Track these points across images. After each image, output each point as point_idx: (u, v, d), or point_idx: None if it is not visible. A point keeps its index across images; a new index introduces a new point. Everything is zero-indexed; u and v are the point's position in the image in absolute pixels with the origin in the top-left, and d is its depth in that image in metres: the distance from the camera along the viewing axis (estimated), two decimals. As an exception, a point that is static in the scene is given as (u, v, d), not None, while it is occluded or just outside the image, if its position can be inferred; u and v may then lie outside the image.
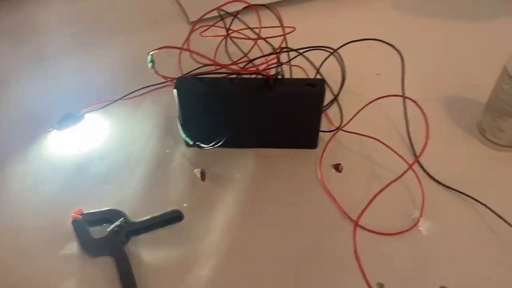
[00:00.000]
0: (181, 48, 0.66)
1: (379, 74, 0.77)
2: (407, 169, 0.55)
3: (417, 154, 0.62)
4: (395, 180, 0.55)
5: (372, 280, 0.48)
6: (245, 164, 0.63)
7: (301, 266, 0.51)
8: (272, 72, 0.58)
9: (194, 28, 0.72)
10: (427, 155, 0.56)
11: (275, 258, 0.52)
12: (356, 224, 0.54)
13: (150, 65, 0.59)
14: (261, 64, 0.60)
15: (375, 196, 0.53)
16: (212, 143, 0.59)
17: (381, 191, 0.54)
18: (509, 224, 0.53)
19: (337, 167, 0.63)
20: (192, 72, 0.64)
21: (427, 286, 0.49)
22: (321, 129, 0.65)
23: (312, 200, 0.58)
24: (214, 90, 0.57)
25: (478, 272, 0.50)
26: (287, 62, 0.69)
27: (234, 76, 0.58)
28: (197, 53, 0.59)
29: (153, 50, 0.59)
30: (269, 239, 0.54)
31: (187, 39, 0.70)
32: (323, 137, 0.65)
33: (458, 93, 0.72)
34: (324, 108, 0.68)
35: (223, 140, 0.58)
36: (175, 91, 0.57)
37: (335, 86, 0.70)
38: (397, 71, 0.69)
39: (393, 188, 0.54)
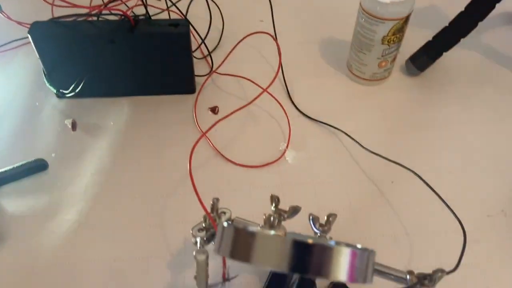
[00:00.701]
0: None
1: (262, 21, 0.78)
2: (261, 93, 0.58)
3: (290, 93, 0.64)
4: (247, 104, 0.57)
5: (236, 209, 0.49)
6: (119, 113, 0.62)
7: (169, 202, 0.52)
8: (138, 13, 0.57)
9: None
10: (298, 93, 0.58)
11: (144, 198, 0.53)
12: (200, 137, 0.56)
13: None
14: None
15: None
16: (72, 88, 0.57)
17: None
18: (364, 148, 0.56)
19: (214, 110, 0.63)
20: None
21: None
22: (201, 73, 0.65)
23: (187, 143, 0.59)
24: (71, 32, 0.55)
25: (341, 191, 0.53)
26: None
27: (95, 18, 0.56)
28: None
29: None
30: (139, 181, 0.54)
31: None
32: (201, 81, 0.66)
33: (332, 36, 0.75)
34: (194, 51, 0.67)
35: (81, 84, 0.57)
36: (29, 36, 0.54)
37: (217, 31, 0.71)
38: (279, 18, 0.70)
39: (265, 125, 0.56)
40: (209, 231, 0.37)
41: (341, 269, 0.27)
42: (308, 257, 0.27)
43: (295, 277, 0.41)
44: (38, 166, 0.53)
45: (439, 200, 0.49)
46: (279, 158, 0.57)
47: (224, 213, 0.39)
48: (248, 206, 0.50)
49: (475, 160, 0.57)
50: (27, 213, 0.51)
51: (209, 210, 0.38)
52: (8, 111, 0.61)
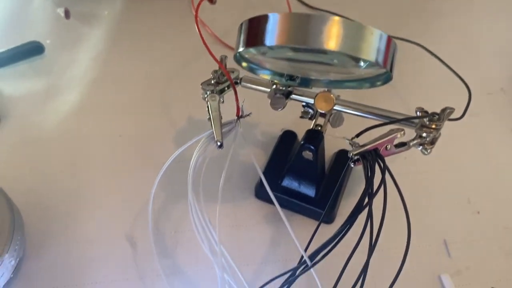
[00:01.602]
0: None
1: None
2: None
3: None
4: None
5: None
6: (114, 1, 0.60)
7: (170, 89, 0.51)
8: None
9: None
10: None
11: (143, 82, 0.52)
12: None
13: None
14: None
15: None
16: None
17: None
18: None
19: (211, 0, 0.61)
20: None
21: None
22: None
23: (185, 31, 0.57)
24: None
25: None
26: None
27: None
28: None
29: None
30: (138, 67, 0.53)
31: None
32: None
33: None
34: None
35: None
36: None
37: None
38: None
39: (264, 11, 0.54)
40: (218, 86, 0.37)
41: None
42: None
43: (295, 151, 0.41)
44: (34, 49, 0.52)
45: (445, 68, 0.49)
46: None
47: (233, 71, 0.39)
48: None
49: (475, 42, 0.57)
50: (27, 95, 0.50)
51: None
52: (-2, 0, 0.59)
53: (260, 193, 0.43)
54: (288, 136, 0.46)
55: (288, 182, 0.42)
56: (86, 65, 0.53)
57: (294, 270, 0.29)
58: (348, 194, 0.43)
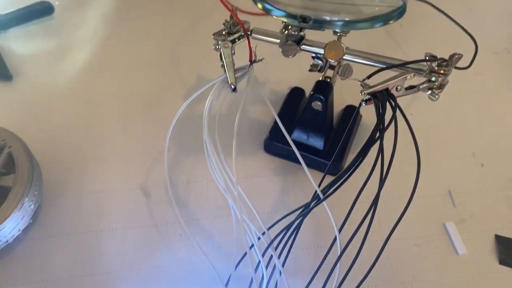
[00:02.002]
0: None
1: None
2: None
3: None
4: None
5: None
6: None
7: (180, 49, 0.52)
8: None
9: None
10: None
11: (153, 42, 0.53)
12: None
13: None
14: None
15: None
16: None
17: None
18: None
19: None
20: None
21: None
22: None
23: None
24: None
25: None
26: None
27: None
28: None
29: None
30: (147, 27, 0.54)
31: None
32: None
33: None
34: None
35: None
36: None
37: None
38: None
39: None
40: (229, 36, 0.38)
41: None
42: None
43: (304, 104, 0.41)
44: (44, 9, 0.52)
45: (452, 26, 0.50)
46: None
47: (244, 23, 0.39)
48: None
49: (482, 5, 0.58)
50: (38, 54, 0.51)
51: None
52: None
53: (269, 147, 0.44)
54: (296, 93, 0.47)
55: (297, 135, 0.43)
56: (96, 25, 0.53)
57: (308, 204, 0.30)
58: (355, 149, 0.44)
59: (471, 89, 0.50)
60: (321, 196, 0.29)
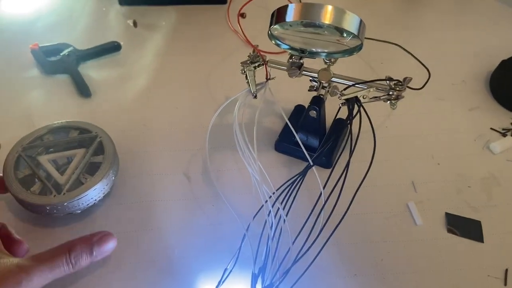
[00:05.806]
0: None
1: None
2: None
3: None
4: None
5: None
6: (168, 16, 0.79)
7: (212, 76, 0.69)
8: None
9: None
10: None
11: (192, 70, 0.70)
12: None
13: None
14: None
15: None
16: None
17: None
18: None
19: (242, 15, 0.80)
20: None
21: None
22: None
23: (221, 36, 0.76)
24: None
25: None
26: None
27: None
28: None
29: None
30: (187, 62, 0.72)
31: None
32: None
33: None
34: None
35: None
36: None
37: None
38: None
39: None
40: (252, 64, 0.54)
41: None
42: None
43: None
44: (114, 47, 0.70)
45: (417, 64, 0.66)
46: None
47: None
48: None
49: (444, 46, 0.75)
50: (109, 79, 0.68)
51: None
52: (82, 13, 0.78)
53: (278, 147, 0.60)
54: (299, 108, 0.63)
55: (300, 137, 0.58)
56: (151, 59, 0.71)
57: (303, 171, 0.46)
58: (345, 150, 0.60)
59: (433, 110, 0.65)
60: (311, 163, 0.44)
